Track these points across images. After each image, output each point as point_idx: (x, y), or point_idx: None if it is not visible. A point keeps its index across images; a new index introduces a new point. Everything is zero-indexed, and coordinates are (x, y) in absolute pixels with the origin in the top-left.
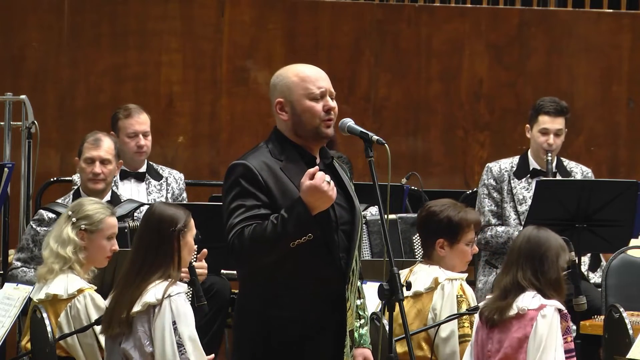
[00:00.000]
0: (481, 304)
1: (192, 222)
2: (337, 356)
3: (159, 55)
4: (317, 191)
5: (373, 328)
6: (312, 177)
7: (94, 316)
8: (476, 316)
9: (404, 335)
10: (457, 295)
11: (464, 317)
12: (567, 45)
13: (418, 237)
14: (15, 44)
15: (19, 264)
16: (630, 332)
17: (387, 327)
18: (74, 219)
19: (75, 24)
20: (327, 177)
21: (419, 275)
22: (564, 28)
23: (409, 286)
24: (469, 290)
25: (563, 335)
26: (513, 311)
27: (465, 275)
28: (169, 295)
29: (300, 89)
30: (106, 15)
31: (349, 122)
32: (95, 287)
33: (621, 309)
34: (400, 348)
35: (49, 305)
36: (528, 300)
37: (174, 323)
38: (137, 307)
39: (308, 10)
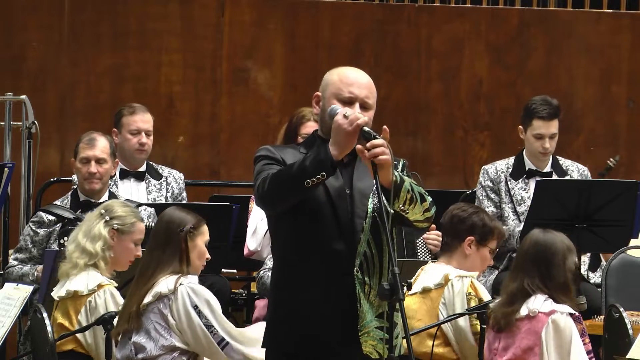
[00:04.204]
0: (490, 305)
1: (204, 228)
2: (347, 336)
3: (159, 55)
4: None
5: None
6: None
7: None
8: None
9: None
10: (466, 293)
11: (473, 315)
12: (567, 45)
13: (422, 240)
14: (15, 44)
15: (16, 262)
16: (630, 332)
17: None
18: (107, 217)
19: (75, 24)
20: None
21: (430, 273)
22: (563, 28)
23: (409, 287)
24: (480, 287)
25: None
26: (523, 312)
27: (476, 273)
28: (181, 284)
29: (334, 88)
30: (106, 15)
31: None
32: (116, 285)
33: (621, 309)
34: (414, 342)
35: (69, 302)
36: (539, 303)
37: (195, 307)
38: (148, 299)
39: (308, 10)
